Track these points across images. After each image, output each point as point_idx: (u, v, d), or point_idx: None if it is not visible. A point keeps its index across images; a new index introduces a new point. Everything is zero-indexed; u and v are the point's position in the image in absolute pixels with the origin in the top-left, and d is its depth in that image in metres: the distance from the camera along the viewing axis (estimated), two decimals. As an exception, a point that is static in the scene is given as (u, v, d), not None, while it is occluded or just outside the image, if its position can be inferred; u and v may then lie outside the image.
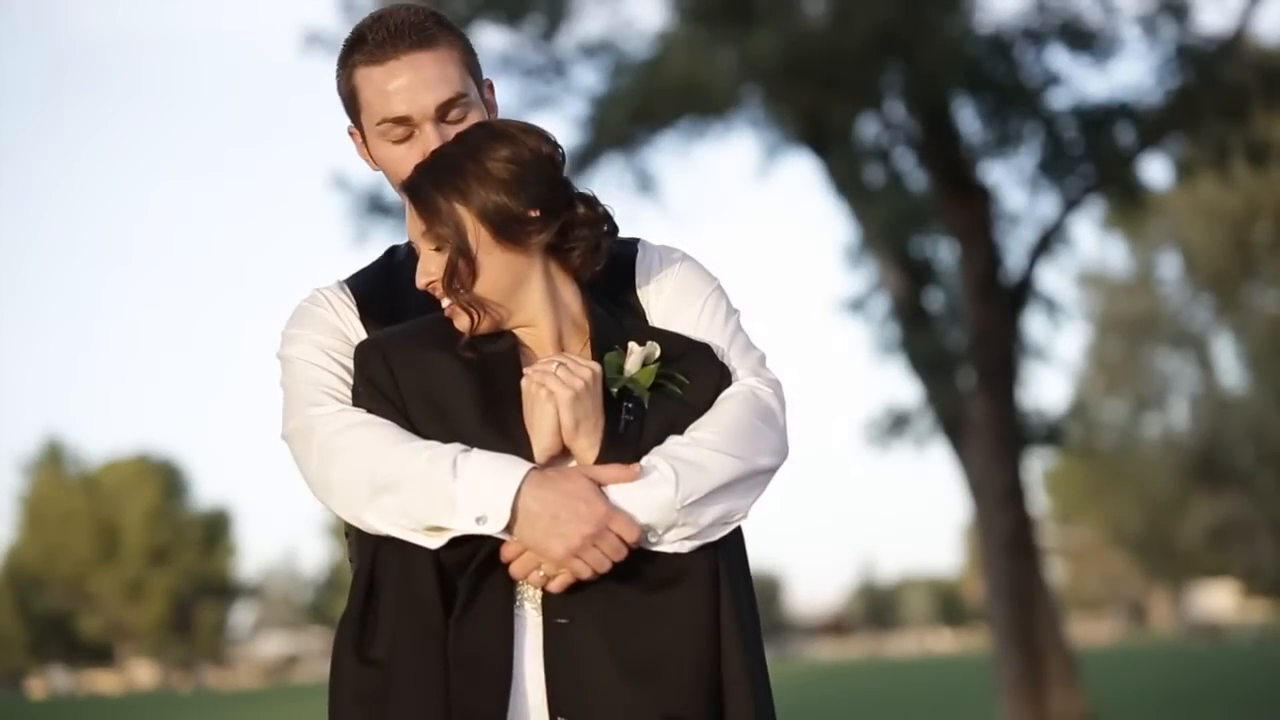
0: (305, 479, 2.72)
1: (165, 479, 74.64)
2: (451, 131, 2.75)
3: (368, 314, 2.80)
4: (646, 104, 15.84)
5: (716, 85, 14.98)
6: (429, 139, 2.75)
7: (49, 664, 74.57)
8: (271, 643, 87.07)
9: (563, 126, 16.84)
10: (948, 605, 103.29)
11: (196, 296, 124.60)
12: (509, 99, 16.46)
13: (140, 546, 72.14)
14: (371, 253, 3.14)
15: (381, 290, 2.83)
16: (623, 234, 2.91)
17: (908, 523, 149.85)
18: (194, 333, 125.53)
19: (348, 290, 2.84)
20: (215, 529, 75.41)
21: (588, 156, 16.57)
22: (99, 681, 74.76)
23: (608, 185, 16.70)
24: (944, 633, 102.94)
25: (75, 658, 75.34)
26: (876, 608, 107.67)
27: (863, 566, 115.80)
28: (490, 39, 16.33)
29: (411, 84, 2.76)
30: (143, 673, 76.92)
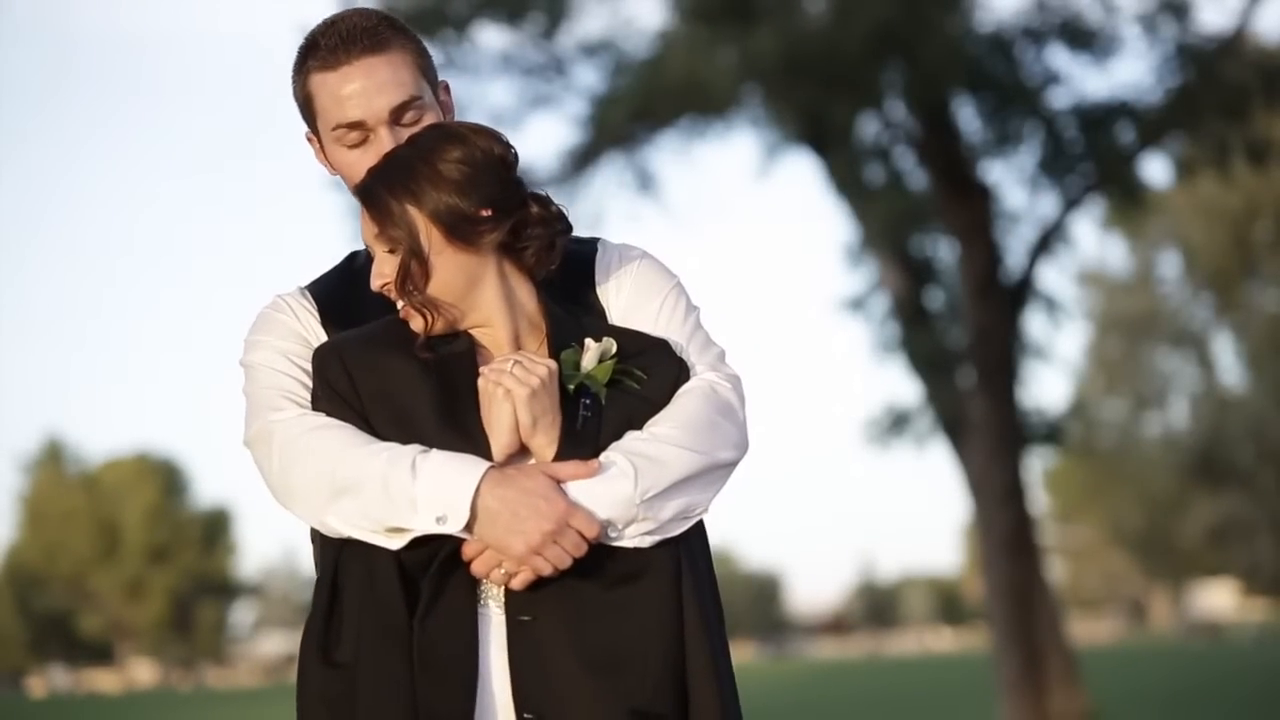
0: (267, 484, 2.73)
1: (165, 478, 74.65)
2: (406, 135, 2.75)
3: (329, 318, 2.81)
4: (647, 103, 15.83)
5: (716, 84, 14.97)
6: (384, 143, 2.76)
7: (49, 663, 74.59)
8: (271, 641, 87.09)
9: (563, 125, 16.88)
10: (948, 604, 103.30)
11: (196, 296, 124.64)
12: (509, 98, 16.48)
13: (140, 545, 72.14)
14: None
15: (342, 294, 2.84)
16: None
17: (908, 522, 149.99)
18: (194, 333, 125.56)
19: (309, 295, 2.85)
20: (215, 528, 75.42)
21: (588, 156, 16.57)
22: (99, 680, 74.79)
23: (608, 185, 16.72)
24: (944, 632, 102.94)
25: (75, 656, 75.36)
26: (876, 607, 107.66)
27: (863, 565, 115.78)
28: (490, 38, 16.34)
29: (365, 89, 2.76)
30: (143, 671, 76.94)
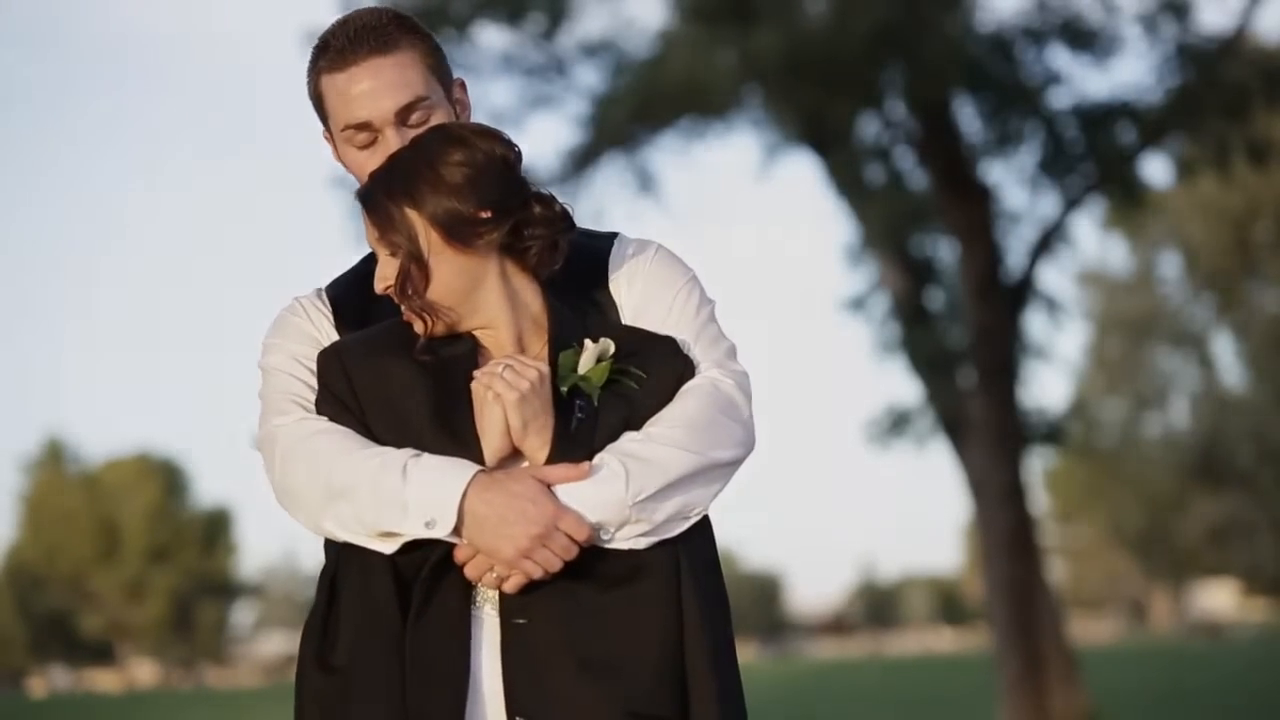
0: (271, 488, 2.74)
1: (165, 478, 74.62)
2: (414, 135, 2.74)
3: (343, 321, 2.81)
4: (647, 103, 15.84)
5: (717, 85, 14.98)
6: (391, 143, 2.75)
7: (49, 663, 74.57)
8: (272, 641, 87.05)
9: (563, 125, 16.90)
10: (948, 604, 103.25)
11: (197, 296, 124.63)
12: (509, 98, 16.50)
13: (141, 545, 72.13)
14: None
15: (358, 296, 2.84)
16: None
17: (908, 522, 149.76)
18: (194, 333, 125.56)
19: (325, 298, 2.86)
20: (215, 528, 75.39)
21: (588, 156, 16.57)
22: (99, 680, 74.77)
23: (609, 185, 16.73)
24: (944, 632, 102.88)
25: (76, 656, 75.34)
26: (877, 607, 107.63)
27: (863, 565, 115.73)
28: (491, 38, 16.36)
29: (372, 89, 2.76)
30: (143, 671, 76.93)
